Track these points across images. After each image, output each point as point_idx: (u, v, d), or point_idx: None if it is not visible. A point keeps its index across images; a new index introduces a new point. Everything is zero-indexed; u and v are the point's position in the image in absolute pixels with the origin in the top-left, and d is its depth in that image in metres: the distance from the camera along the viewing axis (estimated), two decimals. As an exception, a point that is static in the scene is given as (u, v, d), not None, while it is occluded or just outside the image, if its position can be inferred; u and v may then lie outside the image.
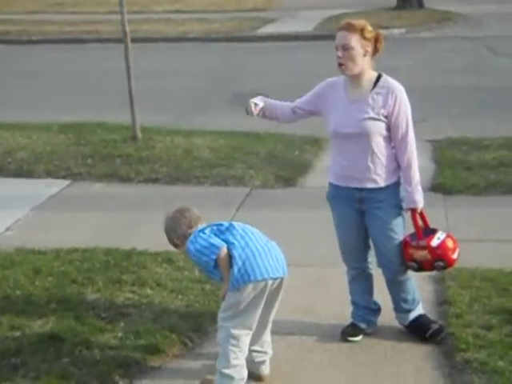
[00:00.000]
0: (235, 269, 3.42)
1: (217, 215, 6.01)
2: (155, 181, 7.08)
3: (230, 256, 3.45)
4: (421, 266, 3.88)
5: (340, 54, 3.75)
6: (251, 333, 3.49)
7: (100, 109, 9.96)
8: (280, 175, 7.10)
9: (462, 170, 6.87)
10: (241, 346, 3.44)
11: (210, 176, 7.10)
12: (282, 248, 5.28)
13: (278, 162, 7.49)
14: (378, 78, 3.84)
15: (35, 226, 5.92)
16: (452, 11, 17.89)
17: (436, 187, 6.49)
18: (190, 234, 3.57)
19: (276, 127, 9.06)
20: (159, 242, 5.38)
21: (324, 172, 7.24)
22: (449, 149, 7.65)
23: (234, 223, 3.63)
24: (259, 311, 3.47)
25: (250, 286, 3.42)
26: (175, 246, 3.71)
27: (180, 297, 4.58)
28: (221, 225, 3.58)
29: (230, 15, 19.57)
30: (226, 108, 10.34)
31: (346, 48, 3.73)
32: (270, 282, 3.46)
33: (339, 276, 4.77)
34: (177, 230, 3.63)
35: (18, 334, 4.05)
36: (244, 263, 3.42)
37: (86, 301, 4.46)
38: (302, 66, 13.12)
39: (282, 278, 3.54)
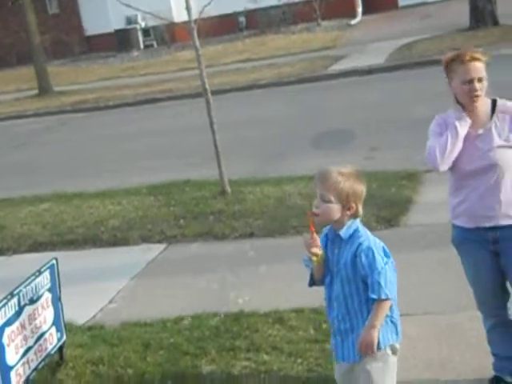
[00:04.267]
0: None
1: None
2: (251, 235, 6.84)
3: None
4: None
5: (477, 86, 3.43)
6: None
7: (183, 166, 9.90)
8: (380, 215, 6.74)
9: None
10: None
11: (307, 225, 6.79)
12: (398, 296, 4.98)
13: (376, 202, 7.12)
14: (494, 103, 3.51)
15: (138, 296, 5.76)
16: (529, 24, 17.25)
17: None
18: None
19: (366, 165, 8.80)
20: (266, 301, 5.19)
21: (428, 208, 7.00)
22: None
23: None
24: None
25: None
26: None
27: (299, 360, 4.27)
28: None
29: (299, 57, 19.50)
30: (309, 150, 10.12)
31: (481, 80, 3.45)
32: None
33: (468, 322, 4.41)
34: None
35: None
36: None
37: (201, 374, 4.21)
38: (380, 98, 12.81)
39: None
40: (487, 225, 3.48)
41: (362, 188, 3.12)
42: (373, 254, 3.07)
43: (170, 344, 4.63)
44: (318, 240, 3.17)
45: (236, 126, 11.99)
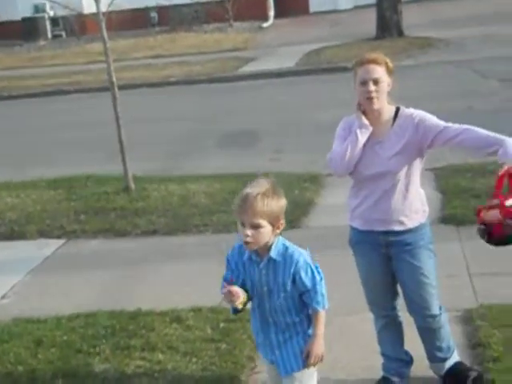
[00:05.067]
0: None
1: (222, 265, 5.82)
2: (153, 233, 6.79)
3: None
4: (490, 231, 3.46)
5: (371, 87, 3.48)
6: None
7: (86, 161, 9.71)
8: (282, 217, 6.83)
9: (470, 199, 6.61)
10: None
11: (210, 224, 6.83)
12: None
13: (279, 204, 7.21)
14: (397, 111, 3.60)
15: (32, 292, 5.61)
16: (432, 37, 17.89)
17: (446, 218, 6.23)
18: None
19: (269, 167, 8.90)
20: (164, 299, 5.16)
21: (329, 210, 7.15)
22: (452, 177, 7.43)
23: None
24: None
25: None
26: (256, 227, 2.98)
27: (194, 360, 4.27)
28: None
29: (210, 56, 19.50)
30: (215, 150, 10.15)
31: (377, 82, 3.49)
32: None
33: (360, 324, 4.54)
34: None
35: (23, 417, 3.72)
36: None
37: (94, 372, 4.14)
38: (288, 102, 12.99)
39: None
40: (380, 229, 3.59)
41: (284, 201, 3.05)
42: (311, 268, 3.09)
43: (63, 341, 4.54)
44: (239, 291, 3.06)
45: (144, 122, 11.87)
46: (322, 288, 3.13)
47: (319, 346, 3.16)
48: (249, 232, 2.95)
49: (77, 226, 6.99)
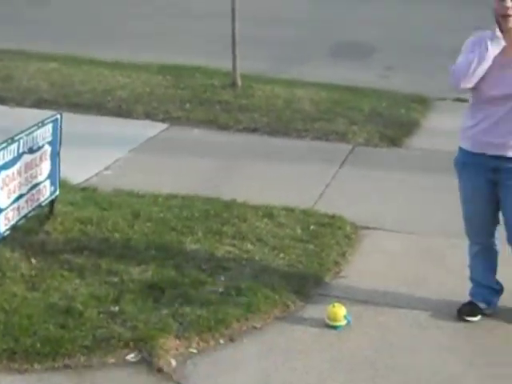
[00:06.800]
0: None
1: (318, 171, 5.84)
2: (254, 130, 6.86)
3: None
4: None
5: (509, 3, 3.29)
6: None
7: (197, 52, 9.73)
8: (385, 134, 6.75)
9: None
10: None
11: (310, 129, 6.83)
12: (384, 211, 5.07)
13: (383, 120, 7.12)
14: None
15: (133, 168, 5.79)
16: None
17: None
18: None
19: (379, 83, 8.71)
20: (258, 195, 5.24)
21: (432, 134, 7.00)
22: None
23: None
24: None
25: None
26: None
27: (281, 255, 4.36)
28: None
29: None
30: (326, 59, 10.01)
31: None
32: None
33: (449, 247, 4.52)
34: None
35: (116, 279, 3.92)
36: None
37: (185, 250, 4.29)
38: (407, 19, 12.51)
39: None
40: (492, 153, 3.48)
41: None
42: None
43: (159, 218, 4.70)
44: None
45: (256, 21, 11.72)
46: None
47: None
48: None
49: (181, 113, 7.12)
